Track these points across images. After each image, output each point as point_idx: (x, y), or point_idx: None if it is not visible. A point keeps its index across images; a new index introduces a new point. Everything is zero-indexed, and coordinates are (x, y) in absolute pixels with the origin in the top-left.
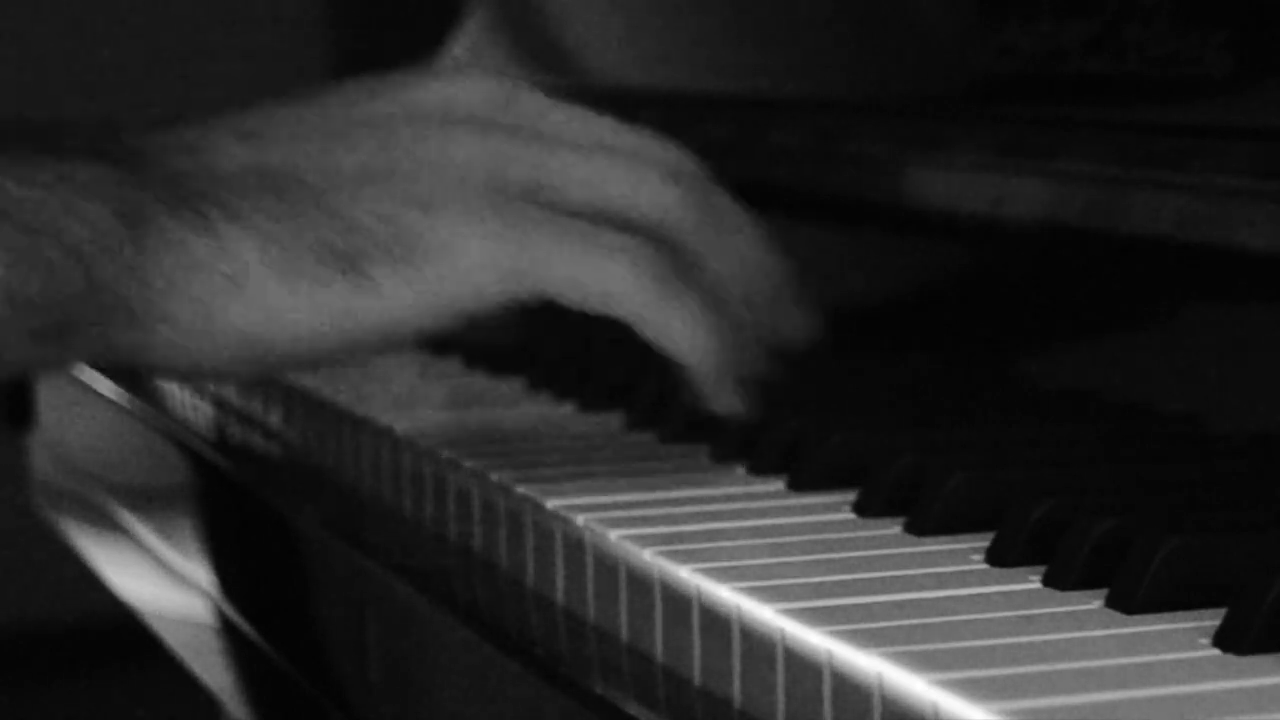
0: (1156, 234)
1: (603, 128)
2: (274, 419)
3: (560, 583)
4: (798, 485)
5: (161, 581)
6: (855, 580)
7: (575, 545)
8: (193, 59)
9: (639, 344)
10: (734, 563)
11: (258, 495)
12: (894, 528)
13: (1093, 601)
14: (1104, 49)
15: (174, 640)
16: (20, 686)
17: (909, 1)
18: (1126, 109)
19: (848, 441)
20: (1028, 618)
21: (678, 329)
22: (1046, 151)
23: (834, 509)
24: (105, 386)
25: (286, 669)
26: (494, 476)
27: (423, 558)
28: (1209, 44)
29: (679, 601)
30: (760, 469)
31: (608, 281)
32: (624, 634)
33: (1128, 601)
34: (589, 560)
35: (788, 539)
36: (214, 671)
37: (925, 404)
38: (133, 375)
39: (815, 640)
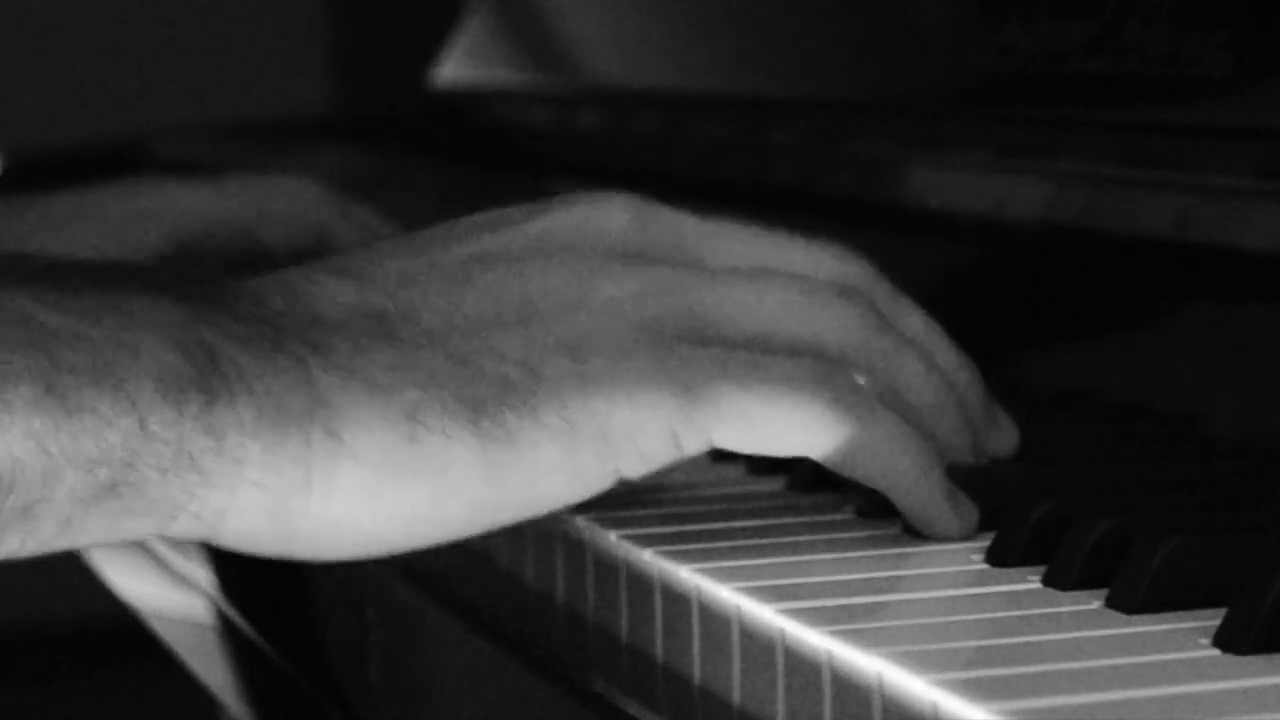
0: (1156, 234)
1: (759, 243)
2: None
3: (560, 582)
4: (798, 485)
5: (161, 581)
6: (855, 580)
7: (575, 545)
8: (192, 59)
9: None
10: (734, 563)
11: None
12: (893, 527)
13: (1093, 601)
14: (1104, 49)
15: (174, 640)
16: (20, 686)
17: (909, 1)
18: (1126, 109)
19: None
20: (1028, 618)
21: (876, 460)
22: (1046, 151)
23: (834, 508)
24: None
25: (286, 669)
26: None
27: (422, 557)
28: (1209, 44)
29: (679, 601)
30: (759, 468)
31: (788, 420)
32: (624, 634)
33: (1128, 601)
34: (589, 560)
35: (787, 539)
36: (214, 671)
37: None
38: None
39: (815, 640)
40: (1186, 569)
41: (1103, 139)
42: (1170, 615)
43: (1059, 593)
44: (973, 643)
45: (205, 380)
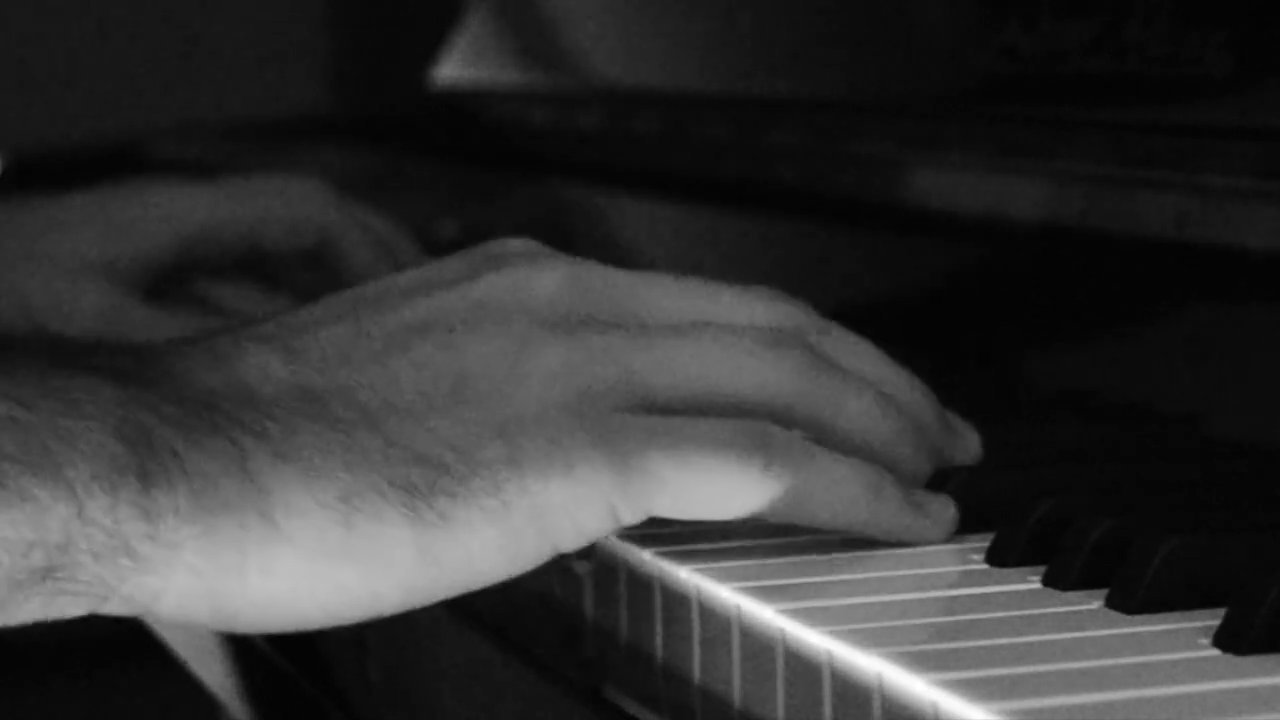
0: (1156, 234)
1: (691, 295)
2: None
3: (559, 583)
4: None
5: None
6: (855, 580)
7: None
8: (191, 59)
9: None
10: (734, 563)
11: None
12: None
13: (1093, 601)
14: (1104, 49)
15: (174, 640)
16: (20, 686)
17: (909, 1)
18: (1126, 109)
19: None
20: (1028, 618)
21: (822, 503)
22: (1046, 151)
23: None
24: None
25: (286, 669)
26: None
27: None
28: (1209, 44)
29: (679, 601)
30: None
31: (723, 487)
32: (624, 634)
33: (1128, 601)
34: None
35: (787, 538)
36: (214, 671)
37: None
38: None
39: (815, 640)
40: (1186, 569)
41: (1103, 139)
42: (1170, 615)
43: (1059, 593)
44: (973, 643)
45: (142, 465)
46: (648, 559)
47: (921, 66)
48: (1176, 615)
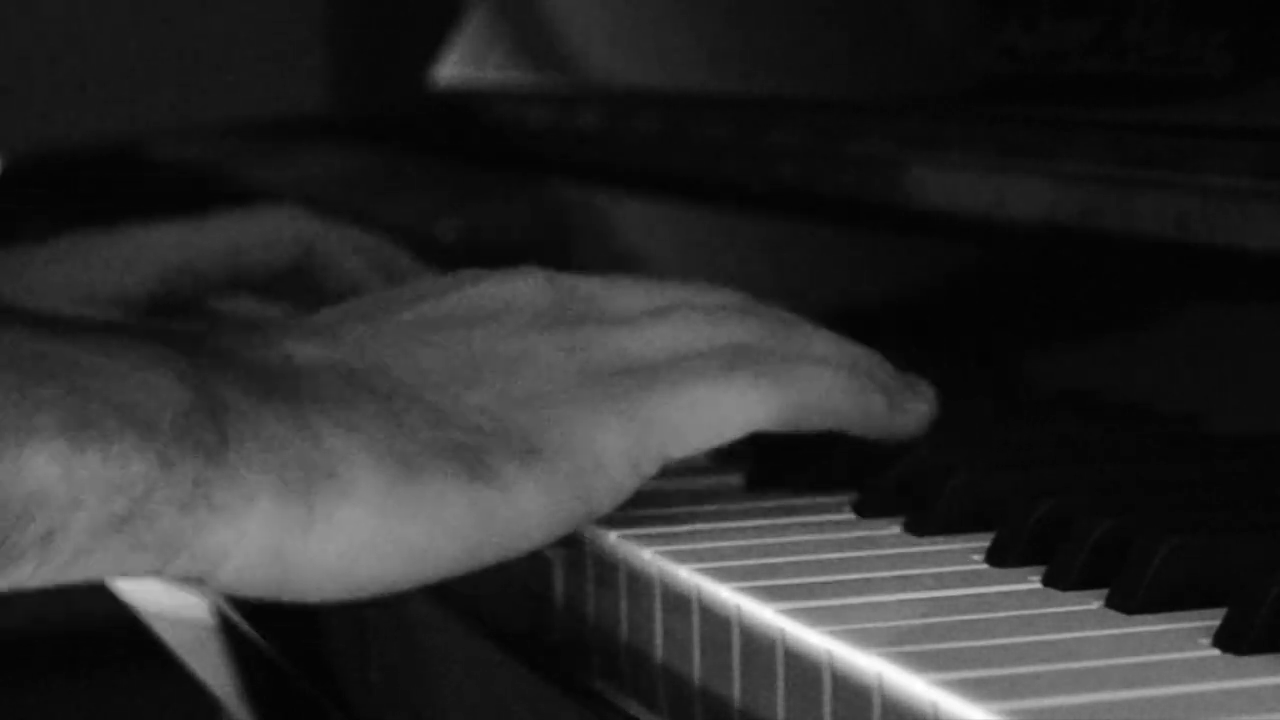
0: (1156, 234)
1: (652, 291)
2: None
3: (560, 582)
4: (798, 486)
5: (162, 581)
6: (855, 580)
7: (574, 545)
8: (191, 59)
9: None
10: (734, 563)
11: None
12: (894, 527)
13: (1093, 601)
14: (1104, 49)
15: (174, 640)
16: (20, 686)
17: (909, 1)
18: (1126, 109)
19: (848, 442)
20: (1028, 618)
21: (814, 398)
22: (1046, 151)
23: (833, 509)
24: None
25: (286, 669)
26: None
27: None
28: (1209, 44)
29: (679, 601)
30: (761, 473)
31: (722, 407)
32: (624, 634)
33: (1128, 601)
34: (588, 560)
35: (788, 539)
36: (214, 671)
37: None
38: None
39: (815, 640)
40: (1186, 569)
41: (1103, 139)
42: (1170, 615)
43: (1059, 593)
44: (973, 643)
45: (217, 420)
46: (648, 559)
47: (921, 66)
48: (1176, 615)
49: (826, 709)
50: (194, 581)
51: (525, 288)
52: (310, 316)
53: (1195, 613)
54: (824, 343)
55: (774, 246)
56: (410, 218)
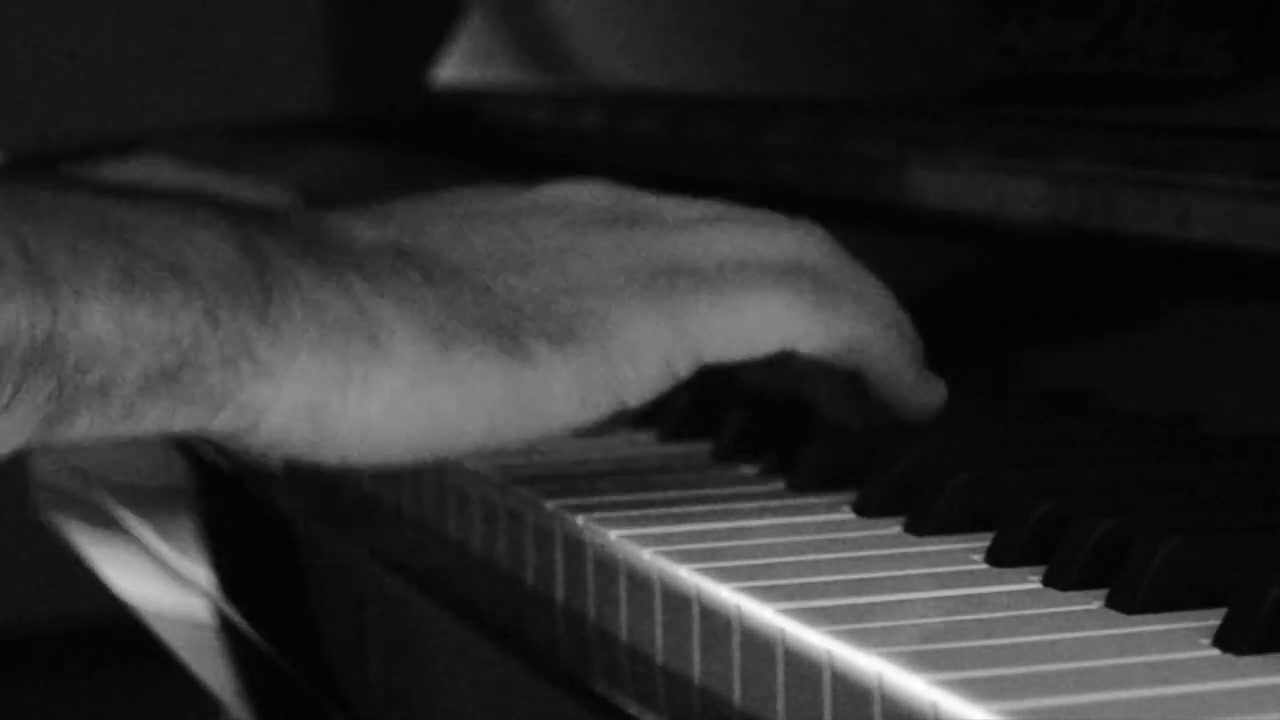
0: (1156, 234)
1: (710, 207)
2: None
3: (560, 583)
4: (798, 486)
5: (161, 581)
6: (855, 580)
7: (575, 545)
8: (192, 59)
9: None
10: (734, 563)
11: (258, 495)
12: (894, 527)
13: (1093, 601)
14: (1104, 49)
15: (174, 640)
16: (20, 686)
17: (909, 1)
18: (1126, 109)
19: (849, 441)
20: (1027, 618)
21: (852, 333)
22: (1046, 151)
23: (833, 508)
24: None
25: (286, 669)
26: (494, 476)
27: (423, 557)
28: (1209, 44)
29: (679, 601)
30: (763, 471)
31: (762, 317)
32: (624, 634)
33: (1128, 601)
34: (589, 560)
35: (788, 539)
36: (214, 671)
37: None
38: None
39: (815, 640)
40: (1186, 569)
41: (1103, 139)
42: (1170, 615)
43: (1059, 593)
44: (973, 643)
45: (262, 278)
46: (648, 559)
47: (921, 66)
48: (1176, 615)
49: (826, 709)
50: (235, 440)
51: (586, 189)
52: (370, 205)
53: (1195, 613)
54: (878, 291)
55: None
56: None
